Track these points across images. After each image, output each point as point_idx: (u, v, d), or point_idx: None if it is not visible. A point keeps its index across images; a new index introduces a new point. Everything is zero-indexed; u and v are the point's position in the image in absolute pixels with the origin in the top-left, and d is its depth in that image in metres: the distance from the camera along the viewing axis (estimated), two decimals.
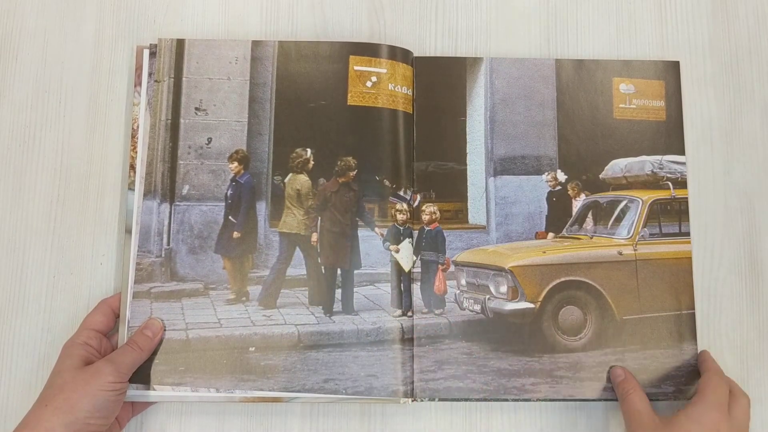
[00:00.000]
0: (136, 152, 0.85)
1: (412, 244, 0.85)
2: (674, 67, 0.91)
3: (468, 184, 0.88)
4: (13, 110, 0.89)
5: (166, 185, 0.85)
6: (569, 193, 0.88)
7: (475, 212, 0.88)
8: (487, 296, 0.85)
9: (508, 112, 0.89)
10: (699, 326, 0.84)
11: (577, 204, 0.88)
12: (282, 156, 0.86)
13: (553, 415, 0.83)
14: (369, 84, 0.87)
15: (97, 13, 0.92)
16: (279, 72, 0.88)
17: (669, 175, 0.88)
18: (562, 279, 0.85)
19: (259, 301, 0.83)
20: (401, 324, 0.82)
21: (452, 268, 0.86)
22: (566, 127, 0.89)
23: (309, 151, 0.86)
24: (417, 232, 0.86)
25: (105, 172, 0.88)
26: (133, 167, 0.85)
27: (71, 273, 0.85)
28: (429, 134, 0.88)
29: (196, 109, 0.86)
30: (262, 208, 0.85)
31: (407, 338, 0.82)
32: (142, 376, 0.78)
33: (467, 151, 0.89)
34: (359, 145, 0.85)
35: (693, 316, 0.84)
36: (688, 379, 0.82)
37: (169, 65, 0.87)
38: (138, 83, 0.87)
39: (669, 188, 0.88)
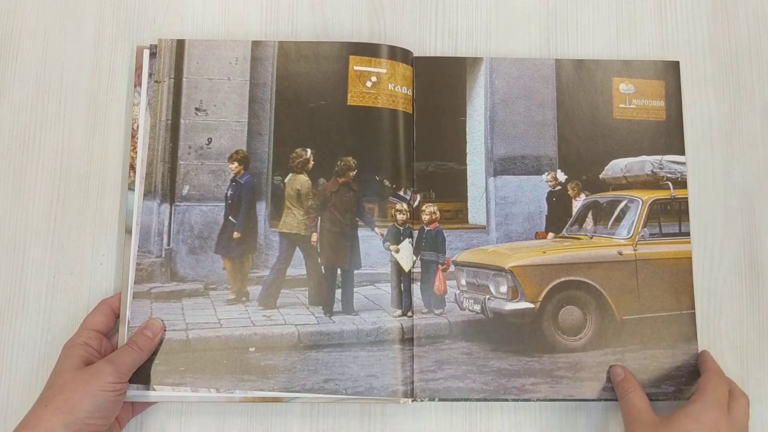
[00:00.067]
0: (136, 152, 0.85)
1: (412, 244, 0.85)
2: (674, 67, 0.91)
3: (468, 184, 0.88)
4: (13, 110, 0.89)
5: (167, 185, 0.85)
6: (569, 193, 0.88)
7: (475, 212, 0.88)
8: (487, 296, 0.85)
9: (508, 112, 0.89)
10: (699, 326, 0.84)
11: (577, 204, 0.88)
12: (282, 156, 0.86)
13: (553, 415, 0.83)
14: (369, 84, 0.87)
15: (97, 13, 0.92)
16: (279, 72, 0.88)
17: (669, 175, 0.88)
18: (562, 279, 0.85)
19: (259, 301, 0.83)
20: (401, 324, 0.82)
21: (452, 268, 0.86)
22: (566, 127, 0.89)
23: (309, 151, 0.86)
24: (417, 232, 0.86)
25: (105, 172, 0.88)
26: (133, 167, 0.85)
27: (71, 273, 0.85)
28: (429, 134, 0.88)
29: (197, 109, 0.86)
30: (262, 209, 0.85)
31: (407, 338, 0.82)
32: (142, 376, 0.78)
33: (467, 151, 0.89)
34: (359, 145, 0.85)
35: (693, 316, 0.84)
36: (688, 379, 0.82)
37: (169, 65, 0.87)
38: (138, 83, 0.87)
39: (669, 188, 0.88)
